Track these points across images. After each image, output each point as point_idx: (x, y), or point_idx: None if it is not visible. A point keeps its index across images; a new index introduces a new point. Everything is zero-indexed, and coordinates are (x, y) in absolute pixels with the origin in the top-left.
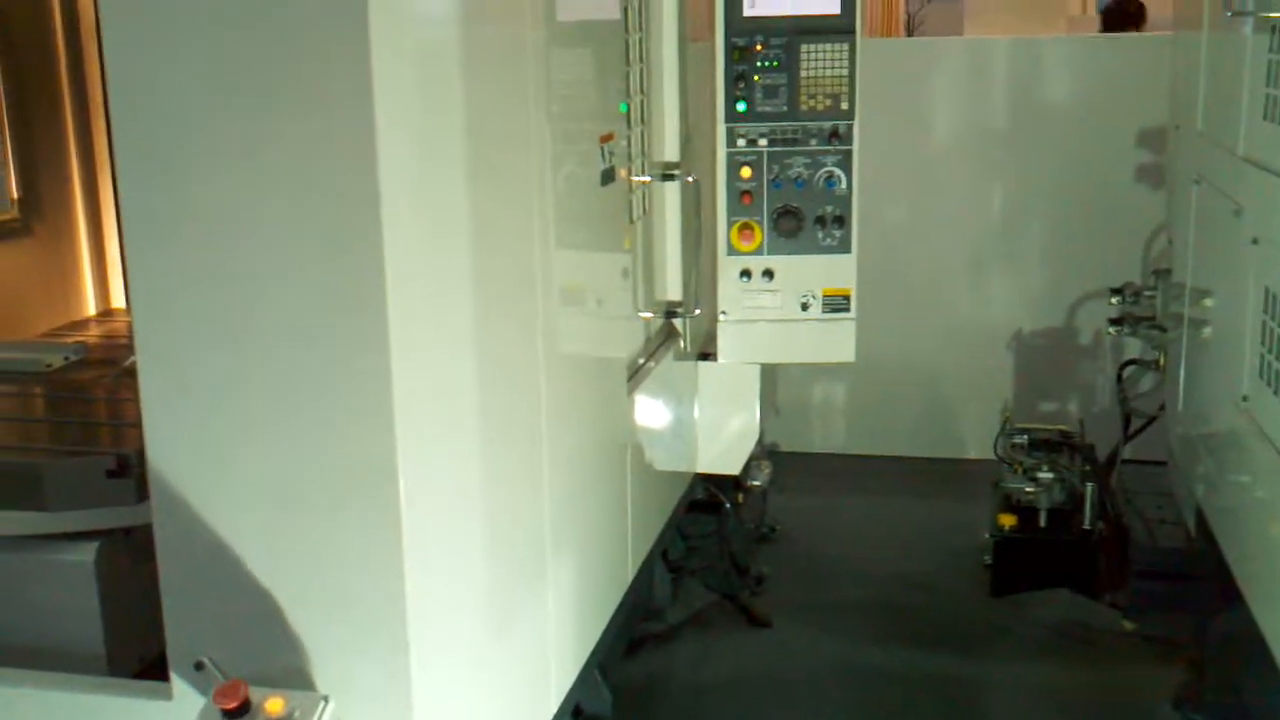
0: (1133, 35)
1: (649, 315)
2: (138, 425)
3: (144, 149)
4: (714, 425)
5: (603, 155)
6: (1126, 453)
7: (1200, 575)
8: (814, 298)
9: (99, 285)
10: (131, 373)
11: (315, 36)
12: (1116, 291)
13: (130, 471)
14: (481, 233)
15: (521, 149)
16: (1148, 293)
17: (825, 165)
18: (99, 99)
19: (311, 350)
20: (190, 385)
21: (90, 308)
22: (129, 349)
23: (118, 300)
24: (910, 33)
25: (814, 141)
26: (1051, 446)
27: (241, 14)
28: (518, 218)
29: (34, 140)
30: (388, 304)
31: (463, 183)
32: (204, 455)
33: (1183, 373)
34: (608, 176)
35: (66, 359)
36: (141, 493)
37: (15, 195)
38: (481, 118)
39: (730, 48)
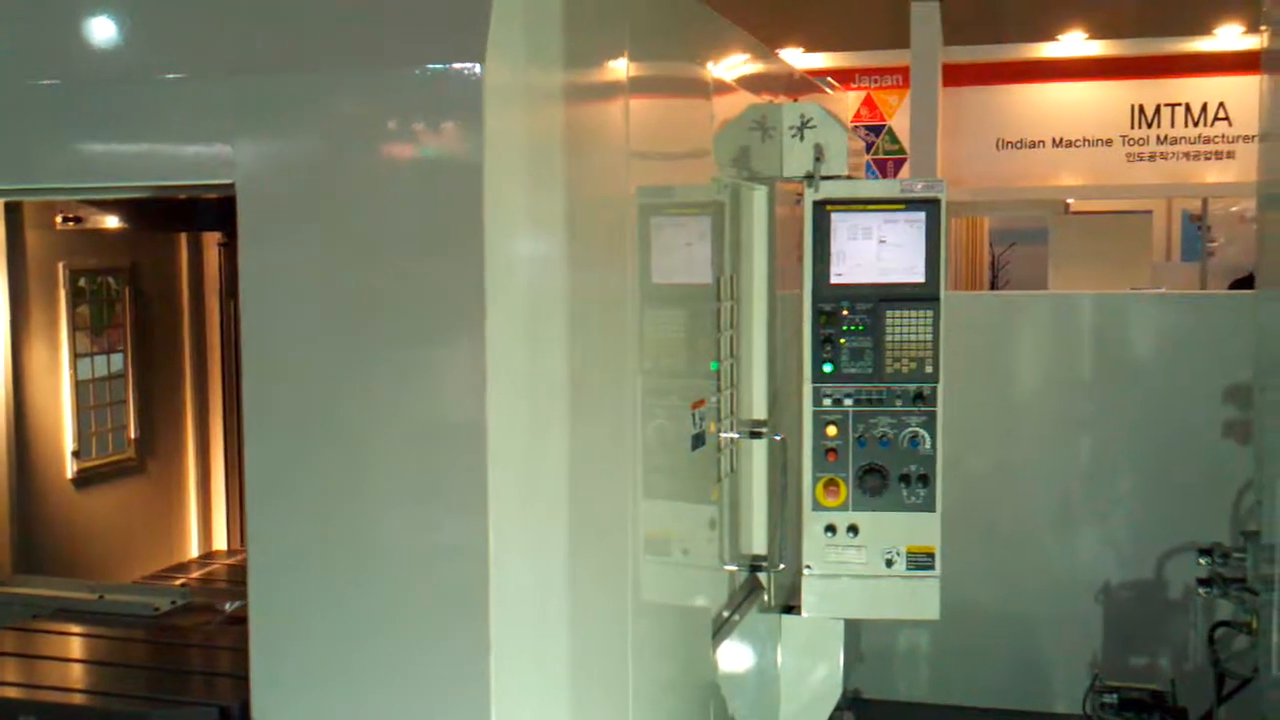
0: (1216, 294)
1: (734, 568)
2: (239, 677)
3: (270, 413)
4: (797, 679)
5: (694, 420)
6: (1220, 716)
7: None
8: (898, 554)
9: (203, 527)
10: (233, 619)
11: (435, 310)
12: (1205, 552)
13: None
14: (578, 480)
15: (615, 401)
16: (1237, 554)
17: (910, 426)
18: (216, 347)
19: (416, 620)
20: (299, 647)
21: (193, 548)
22: (230, 594)
23: (219, 543)
24: (995, 275)
25: (899, 402)
26: (1143, 707)
27: (366, 298)
28: (610, 467)
29: (153, 383)
30: (489, 550)
31: (564, 431)
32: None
33: (1276, 636)
34: (698, 441)
35: (173, 603)
36: None
37: (133, 435)
38: (581, 367)
39: (817, 312)
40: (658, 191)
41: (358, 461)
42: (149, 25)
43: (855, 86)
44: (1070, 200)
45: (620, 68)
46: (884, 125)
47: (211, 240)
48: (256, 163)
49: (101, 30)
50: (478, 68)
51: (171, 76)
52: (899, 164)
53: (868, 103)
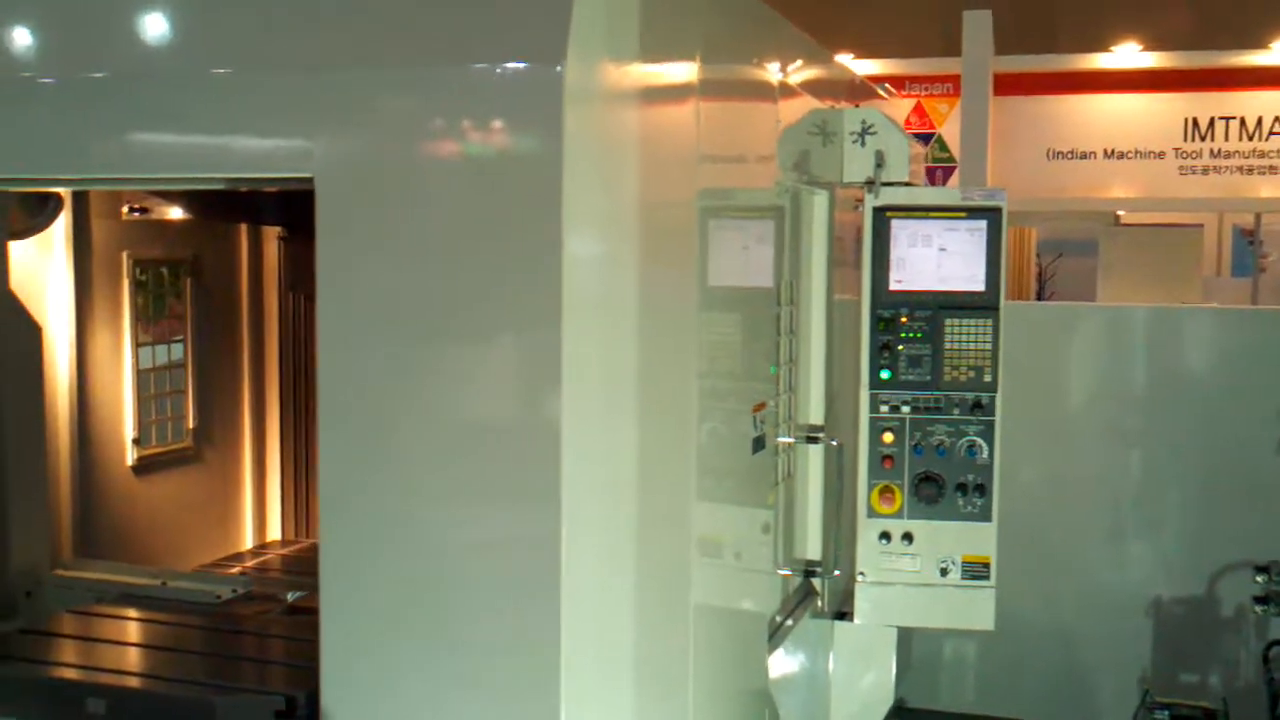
0: (1272, 309)
1: (788, 573)
2: (302, 667)
3: (344, 407)
4: (847, 686)
5: (754, 423)
6: None
7: None
8: (953, 563)
9: (258, 517)
10: (294, 609)
11: (512, 307)
12: (1262, 570)
13: (296, 713)
14: (644, 479)
15: (680, 402)
16: None
17: (967, 434)
18: (274, 340)
19: (488, 613)
20: (369, 639)
21: (248, 539)
22: (290, 584)
23: (274, 533)
24: (1041, 286)
25: (956, 411)
26: None
27: (443, 295)
28: (674, 467)
29: (212, 374)
30: (562, 544)
31: (632, 430)
32: (378, 710)
33: None
34: (758, 444)
35: (234, 591)
36: None
37: (191, 424)
38: (649, 366)
39: (876, 318)
40: (723, 194)
41: (432, 456)
42: (233, 20)
43: (905, 94)
44: (1120, 212)
45: (692, 70)
46: (933, 133)
47: (271, 234)
48: (336, 157)
49: (187, 24)
50: (558, 67)
51: (254, 71)
52: (948, 172)
53: (917, 110)
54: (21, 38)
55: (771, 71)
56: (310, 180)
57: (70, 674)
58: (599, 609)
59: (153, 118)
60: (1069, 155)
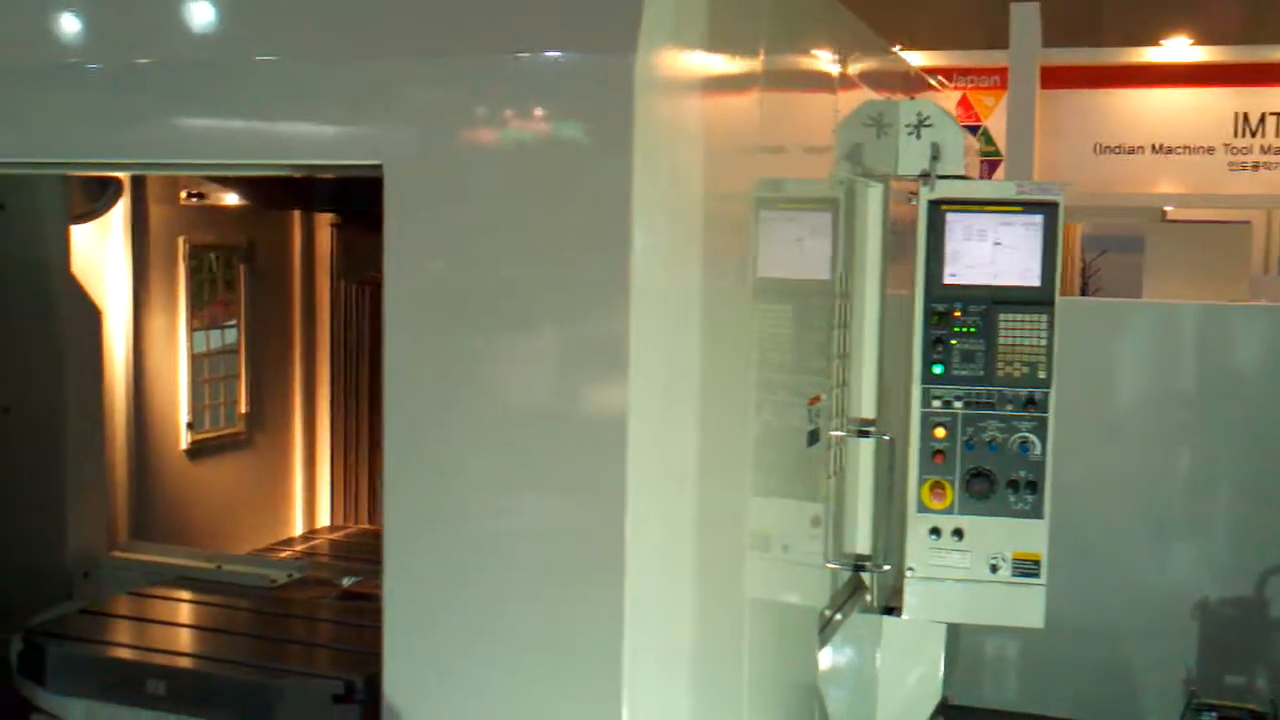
0: None
1: (835, 566)
2: (360, 652)
3: (410, 394)
4: (895, 681)
5: (809, 417)
6: None
7: None
8: (1004, 560)
9: (307, 503)
10: (348, 595)
11: (579, 296)
12: None
13: (354, 697)
14: (704, 471)
15: (739, 394)
16: None
17: (1020, 430)
18: (326, 327)
19: (552, 600)
20: (432, 625)
21: (298, 525)
22: (343, 569)
23: (323, 519)
24: (1086, 282)
25: (1009, 407)
26: None
27: (509, 283)
28: (731, 460)
29: (264, 359)
30: (626, 543)
31: (694, 420)
32: (440, 696)
33: None
34: (813, 437)
35: (290, 576)
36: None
37: (243, 409)
38: (710, 357)
39: (929, 312)
40: (780, 185)
41: (497, 444)
42: (305, 8)
43: (951, 86)
44: (1168, 208)
45: (756, 60)
46: (979, 126)
47: (324, 221)
48: (404, 146)
49: (260, 12)
50: (630, 57)
51: (325, 58)
52: (993, 166)
53: (963, 103)
54: (97, 24)
55: (832, 62)
56: (379, 168)
57: (131, 655)
58: (659, 600)
59: (226, 104)
60: (1116, 150)
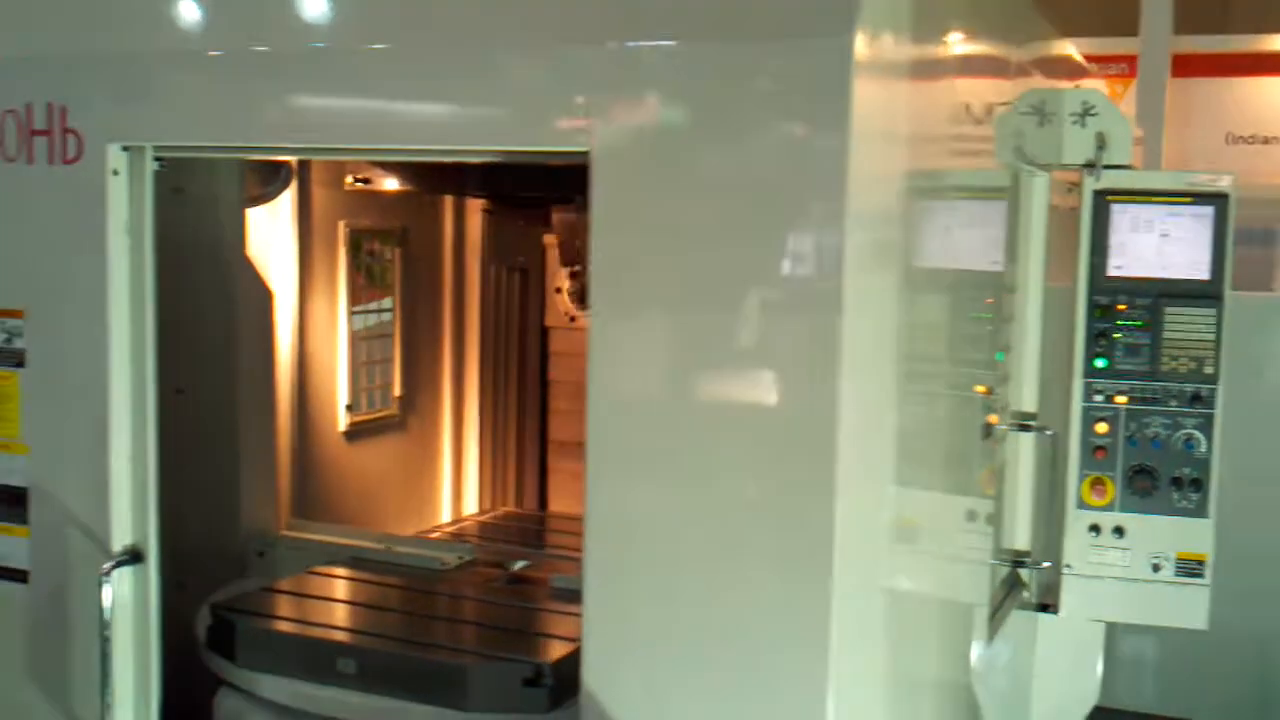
0: None
1: (996, 562)
2: (540, 635)
3: (614, 384)
4: (1050, 681)
5: (984, 409)
6: None
7: None
8: (1166, 559)
9: (455, 488)
10: (516, 579)
11: (791, 286)
12: None
13: (543, 681)
14: (901, 467)
15: (927, 385)
16: None
17: (1185, 427)
18: (475, 310)
19: (758, 591)
20: (633, 613)
21: (446, 509)
22: (505, 553)
23: (469, 506)
24: None
25: (1174, 402)
26: None
27: (721, 270)
28: (922, 452)
29: (416, 343)
30: (835, 536)
31: (892, 411)
32: (640, 691)
33: None
34: (987, 430)
35: (460, 559)
36: (551, 703)
37: (398, 393)
38: (906, 348)
39: (1093, 305)
40: (965, 174)
41: (703, 434)
42: None
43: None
44: None
45: (954, 43)
46: None
47: (476, 206)
48: (613, 133)
49: None
50: (847, 40)
51: (534, 43)
52: None
53: None
54: (294, 11)
55: (1010, 47)
56: (586, 155)
57: (320, 633)
58: (859, 595)
59: (434, 90)
60: (1250, 140)
